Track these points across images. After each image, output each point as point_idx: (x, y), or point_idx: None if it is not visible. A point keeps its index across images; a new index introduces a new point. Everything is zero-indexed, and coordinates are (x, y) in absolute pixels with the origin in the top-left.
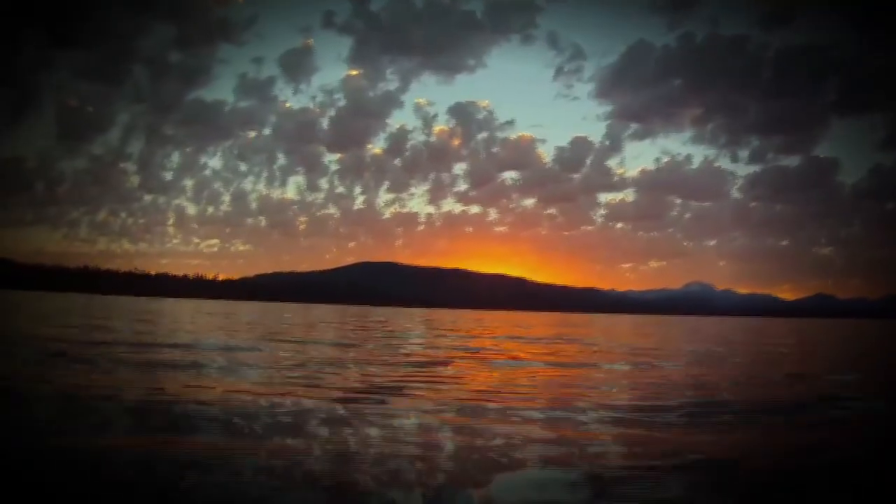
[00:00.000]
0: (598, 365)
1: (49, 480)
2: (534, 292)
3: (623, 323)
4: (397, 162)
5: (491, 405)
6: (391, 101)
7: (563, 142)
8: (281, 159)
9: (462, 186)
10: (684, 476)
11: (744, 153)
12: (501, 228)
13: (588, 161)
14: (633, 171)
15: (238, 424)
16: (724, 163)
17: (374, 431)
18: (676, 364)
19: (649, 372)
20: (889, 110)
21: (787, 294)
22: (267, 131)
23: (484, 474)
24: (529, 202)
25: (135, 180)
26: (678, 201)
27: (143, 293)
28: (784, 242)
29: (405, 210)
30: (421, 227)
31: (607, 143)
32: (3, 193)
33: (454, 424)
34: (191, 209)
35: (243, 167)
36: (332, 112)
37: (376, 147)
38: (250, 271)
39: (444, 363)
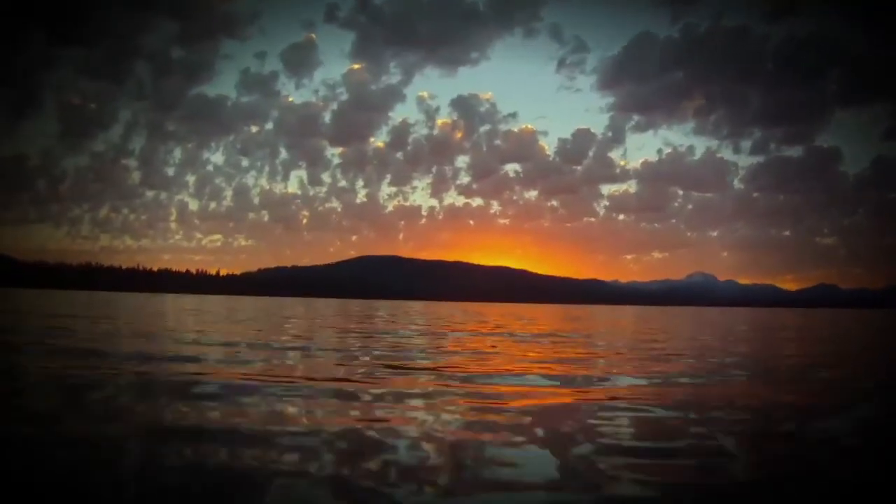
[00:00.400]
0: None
1: None
2: (536, 285)
3: (628, 315)
4: (399, 155)
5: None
6: (394, 95)
7: (566, 134)
8: (283, 154)
9: (464, 179)
10: None
11: (746, 144)
12: (504, 221)
13: (590, 153)
14: (635, 163)
15: None
16: (727, 154)
17: None
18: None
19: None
20: (891, 101)
21: (789, 284)
22: (269, 126)
23: None
24: (532, 194)
25: (137, 177)
26: (680, 192)
27: (146, 290)
28: (786, 233)
29: (407, 203)
30: (423, 221)
31: (610, 134)
32: (5, 191)
33: None
34: (193, 205)
35: (245, 162)
36: (334, 106)
37: (378, 140)
38: (253, 266)
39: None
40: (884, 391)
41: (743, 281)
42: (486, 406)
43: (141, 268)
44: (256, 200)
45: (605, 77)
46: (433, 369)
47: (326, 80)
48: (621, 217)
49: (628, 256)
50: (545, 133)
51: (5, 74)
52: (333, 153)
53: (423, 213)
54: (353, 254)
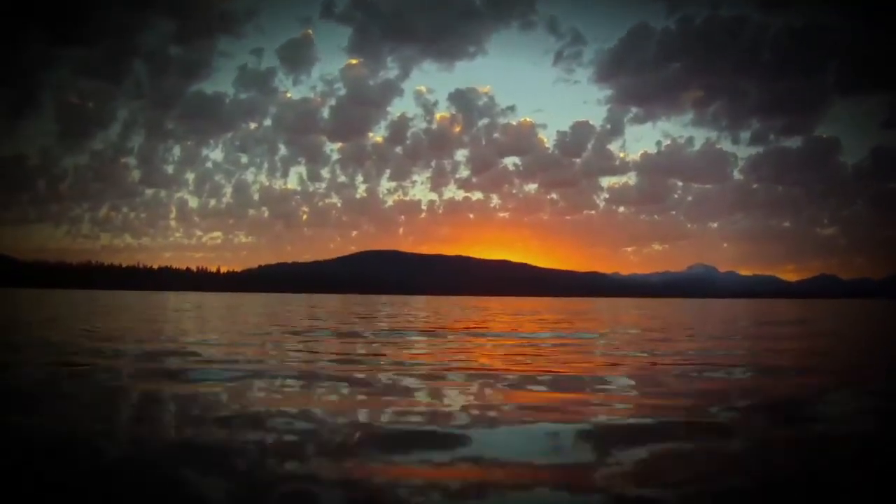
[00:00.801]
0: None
1: None
2: (537, 278)
3: (630, 308)
4: (398, 150)
5: None
6: (391, 90)
7: (565, 126)
8: (282, 150)
9: (464, 173)
10: None
11: (745, 135)
12: (504, 214)
13: (589, 145)
14: (634, 155)
15: None
16: (726, 145)
17: None
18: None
19: None
20: (890, 90)
21: (790, 275)
22: (268, 122)
23: None
24: (531, 187)
25: (136, 175)
26: (680, 184)
27: (146, 288)
28: (786, 224)
29: (407, 198)
30: (423, 215)
31: (608, 126)
32: (5, 191)
33: None
34: (193, 202)
35: (244, 159)
36: (332, 101)
37: (377, 135)
38: (253, 263)
39: None
40: None
41: (744, 272)
42: None
43: (141, 266)
44: (256, 197)
45: (603, 69)
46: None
47: (324, 75)
48: (621, 209)
49: (628, 249)
50: (544, 126)
51: (5, 74)
52: (332, 149)
53: (423, 207)
54: (353, 249)
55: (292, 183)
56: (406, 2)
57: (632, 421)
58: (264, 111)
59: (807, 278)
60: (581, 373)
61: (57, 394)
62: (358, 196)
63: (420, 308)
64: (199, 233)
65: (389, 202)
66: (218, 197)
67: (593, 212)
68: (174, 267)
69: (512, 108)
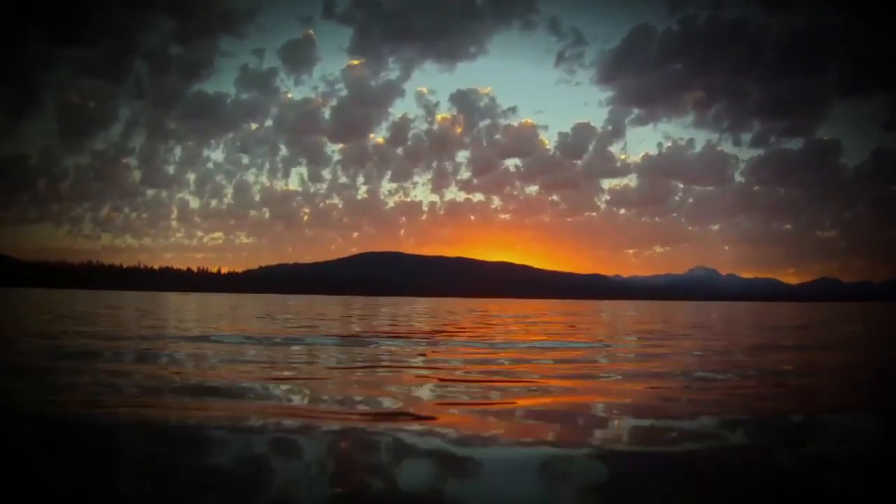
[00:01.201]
0: None
1: None
2: (538, 280)
3: (632, 311)
4: (399, 151)
5: None
6: (393, 90)
7: (566, 128)
8: (283, 150)
9: (465, 174)
10: None
11: (746, 137)
12: (505, 216)
13: (590, 147)
14: (635, 157)
15: None
16: (727, 146)
17: None
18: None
19: None
20: (892, 92)
21: (791, 278)
22: (269, 123)
23: None
24: (532, 189)
25: (137, 175)
26: (681, 186)
27: (147, 288)
28: (787, 226)
29: (408, 199)
30: (424, 216)
31: (609, 128)
32: (5, 191)
33: None
34: (194, 203)
35: (246, 159)
36: (333, 102)
37: (378, 136)
38: (254, 264)
39: None
40: None
41: (745, 275)
42: None
43: (142, 266)
44: (257, 198)
45: (605, 70)
46: None
47: (325, 76)
48: (622, 211)
49: (629, 251)
50: (545, 127)
51: (5, 74)
52: (333, 149)
53: (424, 208)
54: (354, 250)
55: (293, 184)
56: (407, 2)
57: None
58: (265, 111)
59: (808, 281)
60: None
61: None
62: (359, 197)
63: (402, 309)
64: (199, 233)
65: (390, 203)
66: (219, 197)
67: (594, 214)
68: (175, 267)
69: (513, 110)
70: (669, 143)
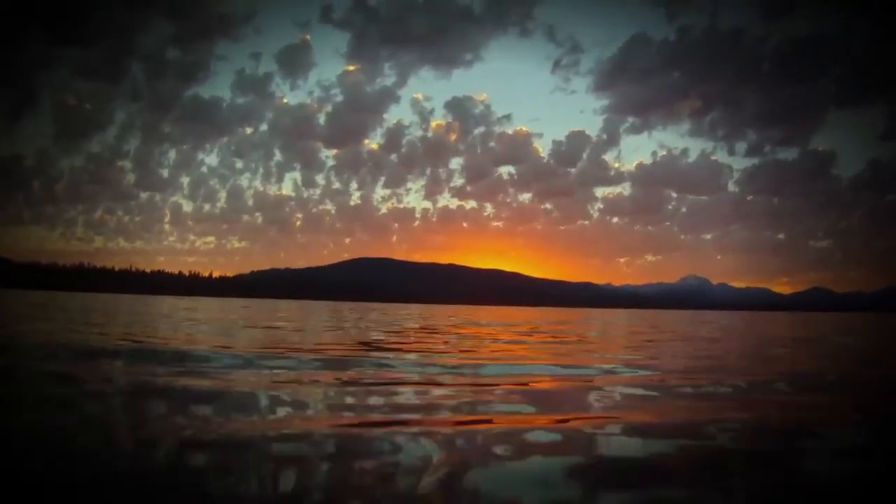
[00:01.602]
0: None
1: None
2: (529, 287)
3: (623, 320)
4: (394, 157)
5: None
6: (388, 97)
7: (560, 136)
8: (277, 155)
9: (458, 181)
10: None
11: (741, 146)
12: (497, 223)
13: (585, 155)
14: (629, 165)
15: None
16: (722, 156)
17: None
18: None
19: None
20: (887, 103)
21: (783, 288)
22: (264, 127)
23: None
24: (526, 197)
25: (132, 178)
26: (675, 195)
27: (138, 291)
28: (780, 236)
29: (401, 205)
30: (417, 223)
31: (604, 136)
32: (1, 192)
33: None
34: (187, 206)
35: (240, 164)
36: (329, 108)
37: (373, 142)
38: (246, 268)
39: None
40: None
41: (737, 284)
42: None
43: (134, 269)
44: (250, 202)
45: (600, 79)
46: None
47: (321, 81)
48: (615, 220)
49: (622, 259)
50: (540, 135)
51: (4, 74)
52: (328, 155)
53: (417, 215)
54: (346, 256)
55: (287, 189)
56: (405, 7)
57: None
58: (261, 116)
59: (800, 291)
60: None
61: None
62: (352, 203)
63: (361, 315)
64: (192, 237)
65: (383, 209)
66: (212, 201)
67: (587, 222)
68: (167, 271)
69: (508, 117)
70: (664, 152)
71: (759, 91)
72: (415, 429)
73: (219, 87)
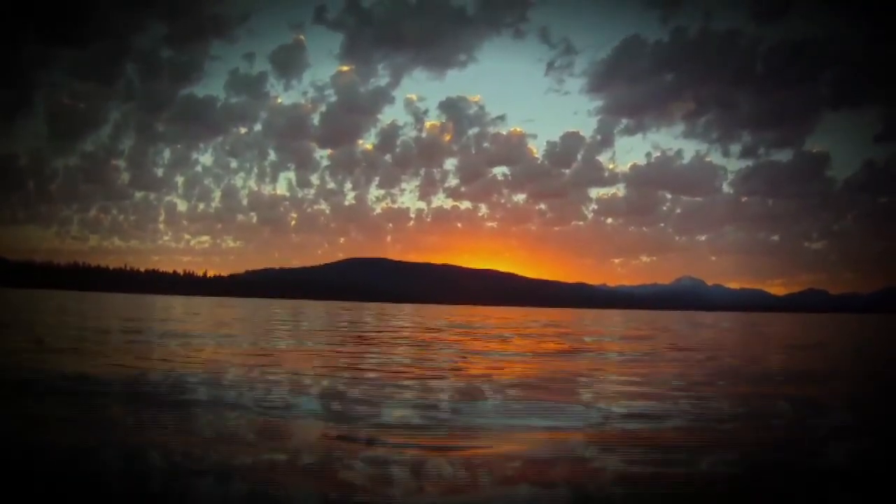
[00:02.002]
0: None
1: None
2: (524, 288)
3: (621, 321)
4: (388, 157)
5: None
6: (382, 97)
7: (555, 137)
8: (272, 155)
9: (453, 182)
10: None
11: (735, 148)
12: (492, 224)
13: (579, 156)
14: (623, 166)
15: None
16: (716, 157)
17: None
18: None
19: None
20: (882, 104)
21: (778, 289)
22: (258, 127)
23: None
24: (520, 197)
25: (126, 177)
26: (669, 196)
27: (133, 290)
28: (775, 237)
29: (396, 206)
30: (411, 223)
31: (598, 137)
32: None
33: None
34: (182, 206)
35: (234, 163)
36: (323, 108)
37: (367, 143)
38: (240, 268)
39: None
40: None
41: (732, 285)
42: None
43: (128, 268)
44: (245, 202)
45: (594, 80)
46: None
47: (315, 81)
48: (609, 221)
49: (616, 260)
50: (534, 136)
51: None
52: (322, 155)
53: (412, 215)
54: (341, 256)
55: (281, 188)
56: (398, 9)
57: None
58: (255, 116)
59: (795, 292)
60: None
61: None
62: (346, 203)
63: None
64: (187, 236)
65: (378, 210)
66: (207, 201)
67: (581, 223)
68: (161, 270)
69: (502, 118)
70: (658, 154)
71: (754, 93)
72: None
73: (213, 87)
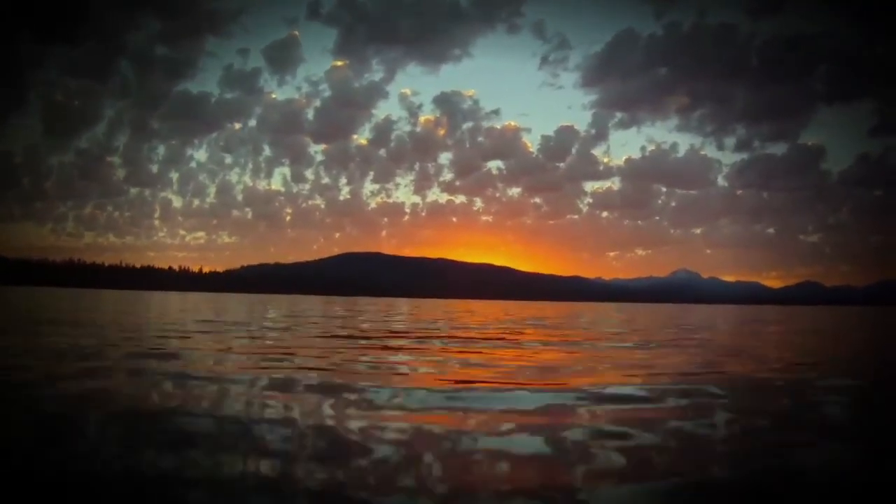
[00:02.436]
0: None
1: None
2: (519, 282)
3: (616, 314)
4: (382, 152)
5: None
6: (377, 92)
7: (549, 131)
8: (266, 151)
9: (447, 176)
10: None
11: (730, 141)
12: (487, 218)
13: (574, 150)
14: (618, 160)
15: None
16: (710, 151)
17: None
18: None
19: None
20: (876, 98)
21: (773, 282)
22: (252, 123)
23: None
24: (515, 191)
25: (121, 174)
26: (664, 189)
27: (128, 286)
28: (770, 230)
29: (390, 200)
30: (406, 218)
31: (593, 131)
32: None
33: None
34: (176, 202)
35: (229, 159)
36: (317, 103)
37: (362, 137)
38: (236, 263)
39: None
40: None
41: (727, 278)
42: None
43: (123, 265)
44: (240, 198)
45: (589, 74)
46: None
47: (310, 76)
48: (605, 214)
49: (611, 254)
50: (528, 130)
51: None
52: (317, 150)
53: (406, 210)
54: (336, 251)
55: (276, 184)
56: (392, 4)
57: None
58: (249, 111)
59: (790, 285)
60: None
61: None
62: (341, 198)
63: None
64: (182, 232)
65: (372, 204)
66: (202, 197)
67: (577, 216)
68: (157, 266)
69: (496, 112)
70: (653, 147)
71: (748, 87)
72: None
73: (207, 83)
